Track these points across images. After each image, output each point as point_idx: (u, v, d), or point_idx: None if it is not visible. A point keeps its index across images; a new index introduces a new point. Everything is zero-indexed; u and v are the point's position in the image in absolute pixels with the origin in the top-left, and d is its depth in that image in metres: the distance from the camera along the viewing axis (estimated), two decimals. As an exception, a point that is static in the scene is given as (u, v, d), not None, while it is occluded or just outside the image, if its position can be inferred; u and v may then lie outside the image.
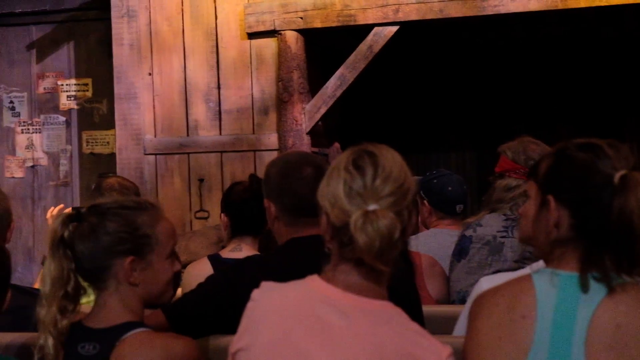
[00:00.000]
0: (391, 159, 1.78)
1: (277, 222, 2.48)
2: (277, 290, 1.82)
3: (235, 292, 2.22)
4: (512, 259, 3.02)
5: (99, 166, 6.28)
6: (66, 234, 2.10)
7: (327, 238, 1.80)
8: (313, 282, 1.80)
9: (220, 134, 5.50)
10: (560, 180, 1.81)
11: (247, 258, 2.61)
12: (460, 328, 2.39)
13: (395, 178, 1.74)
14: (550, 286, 1.75)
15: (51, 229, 2.12)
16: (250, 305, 1.82)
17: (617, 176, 1.73)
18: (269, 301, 1.80)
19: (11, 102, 6.55)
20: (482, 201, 3.28)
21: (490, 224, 3.13)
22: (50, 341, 2.03)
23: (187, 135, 5.55)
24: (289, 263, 2.30)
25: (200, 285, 2.44)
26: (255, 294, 1.83)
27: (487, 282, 2.26)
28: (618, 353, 1.66)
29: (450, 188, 3.75)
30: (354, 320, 1.72)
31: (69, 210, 2.20)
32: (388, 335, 1.71)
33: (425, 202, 3.80)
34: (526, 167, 3.07)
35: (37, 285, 3.53)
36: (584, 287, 1.72)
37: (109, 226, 2.11)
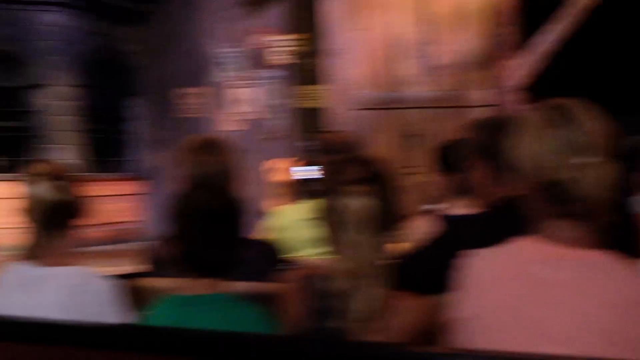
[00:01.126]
0: (583, 109, 1.73)
1: (491, 182, 2.46)
2: (487, 257, 1.80)
3: (462, 248, 2.23)
4: None
5: (309, 120, 6.41)
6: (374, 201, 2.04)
7: (529, 199, 1.77)
8: (527, 244, 1.77)
9: (430, 89, 5.48)
10: None
11: (476, 215, 2.60)
12: None
13: (596, 127, 1.69)
14: None
15: (362, 204, 2.00)
16: (461, 273, 1.81)
17: None
18: (487, 267, 1.77)
19: (222, 57, 6.78)
20: None
21: None
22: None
23: (397, 90, 5.57)
24: (513, 221, 2.28)
25: (426, 241, 2.46)
26: (463, 262, 1.82)
27: None
28: None
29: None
30: (581, 274, 1.68)
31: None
32: (616, 284, 1.66)
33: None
34: None
35: (257, 237, 3.66)
36: None
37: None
